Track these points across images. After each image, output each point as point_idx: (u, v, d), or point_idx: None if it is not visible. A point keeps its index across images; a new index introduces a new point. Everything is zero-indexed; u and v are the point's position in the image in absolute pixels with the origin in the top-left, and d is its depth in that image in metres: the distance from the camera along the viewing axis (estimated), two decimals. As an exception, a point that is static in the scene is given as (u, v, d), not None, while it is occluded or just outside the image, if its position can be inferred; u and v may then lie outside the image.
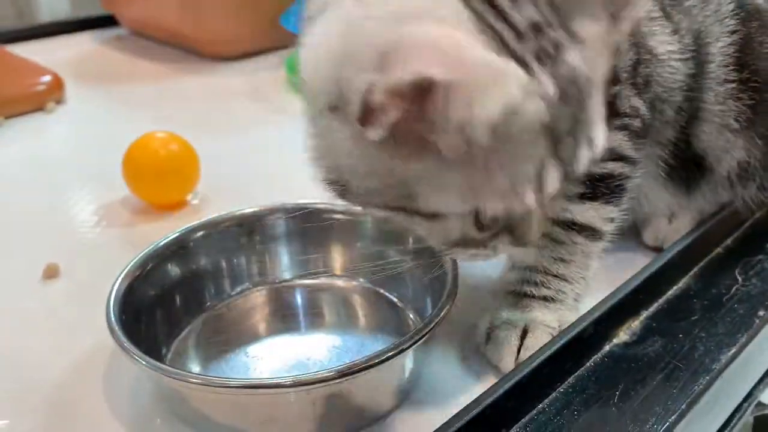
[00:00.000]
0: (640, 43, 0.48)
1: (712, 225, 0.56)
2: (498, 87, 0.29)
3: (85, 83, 1.07)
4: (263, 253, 0.53)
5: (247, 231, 0.52)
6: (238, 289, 0.52)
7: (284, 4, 1.06)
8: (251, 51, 1.16)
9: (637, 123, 0.48)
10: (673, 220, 0.58)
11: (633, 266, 0.53)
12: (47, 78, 0.99)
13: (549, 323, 0.46)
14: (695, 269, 0.53)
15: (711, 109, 0.53)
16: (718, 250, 0.56)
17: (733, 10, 0.53)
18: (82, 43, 1.31)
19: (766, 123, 0.54)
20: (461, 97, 0.29)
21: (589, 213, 0.48)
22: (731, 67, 0.52)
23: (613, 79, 0.46)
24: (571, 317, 0.46)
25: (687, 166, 0.55)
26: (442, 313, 0.42)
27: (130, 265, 0.46)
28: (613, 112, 0.47)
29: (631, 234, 0.59)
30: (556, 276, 0.48)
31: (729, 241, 0.57)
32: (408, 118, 0.30)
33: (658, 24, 0.49)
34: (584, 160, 0.36)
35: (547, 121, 0.32)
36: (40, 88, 0.97)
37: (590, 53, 0.34)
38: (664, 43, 0.49)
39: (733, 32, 0.52)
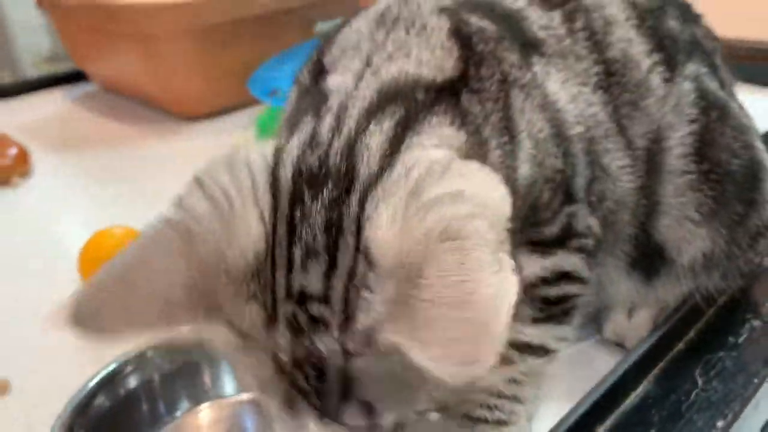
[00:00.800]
0: (594, 161, 0.47)
1: (675, 321, 0.55)
2: None
3: (52, 151, 1.06)
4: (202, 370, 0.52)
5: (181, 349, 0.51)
6: (178, 413, 0.51)
7: (252, 60, 1.06)
8: (220, 109, 1.15)
9: (591, 242, 0.47)
10: (633, 315, 0.57)
11: (594, 362, 0.52)
12: (13, 151, 0.98)
13: None
14: (655, 371, 0.52)
15: (670, 203, 0.52)
16: (680, 346, 0.54)
17: (693, 99, 0.51)
18: (53, 100, 1.30)
19: (729, 213, 0.53)
20: None
21: (543, 335, 0.47)
22: (690, 158, 0.51)
23: (569, 199, 0.45)
24: None
25: (648, 257, 0.54)
26: None
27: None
28: (570, 233, 0.46)
29: (592, 326, 0.58)
30: (509, 398, 0.47)
31: (692, 333, 0.55)
32: None
33: (611, 141, 0.47)
34: (353, 416, 0.35)
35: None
36: (6, 162, 0.96)
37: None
38: (616, 160, 0.48)
39: (693, 121, 0.51)
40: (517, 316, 0.45)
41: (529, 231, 0.45)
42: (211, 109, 1.14)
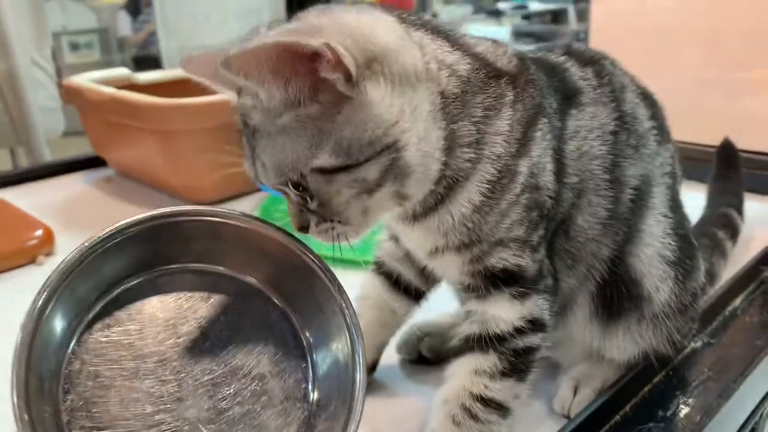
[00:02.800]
0: (569, 217, 0.59)
1: (614, 394, 0.64)
2: None
3: (74, 232, 1.16)
4: None
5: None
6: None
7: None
8: (228, 195, 1.27)
9: (550, 282, 0.58)
10: (578, 392, 0.66)
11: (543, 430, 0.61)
12: (39, 232, 1.08)
13: None
14: (595, 437, 0.61)
15: (652, 232, 0.63)
16: (617, 417, 0.64)
17: (670, 166, 0.66)
18: (73, 184, 1.42)
19: (683, 265, 0.65)
20: None
21: (505, 391, 0.57)
22: (667, 206, 0.64)
23: (543, 242, 0.57)
24: None
25: (620, 291, 0.63)
26: None
27: None
28: (541, 273, 0.57)
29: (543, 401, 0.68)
30: None
31: (627, 408, 0.65)
32: None
33: (601, 194, 0.59)
34: (261, 174, 0.52)
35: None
36: (33, 243, 1.07)
37: None
38: (590, 217, 0.60)
39: (670, 180, 0.65)
40: (485, 372, 0.56)
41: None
42: (221, 195, 1.26)
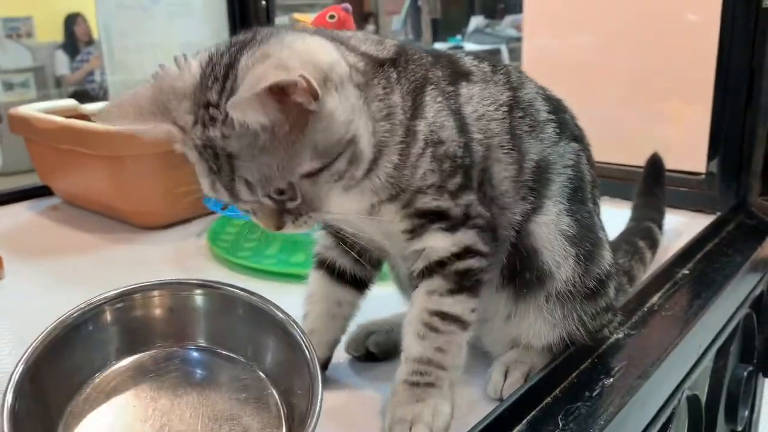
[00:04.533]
0: (487, 168, 0.66)
1: (543, 378, 0.71)
2: None
3: (22, 257, 1.18)
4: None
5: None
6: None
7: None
8: (177, 219, 1.31)
9: (483, 221, 0.66)
10: (509, 375, 0.72)
11: (479, 413, 0.66)
12: (-13, 257, 1.09)
13: (425, 418, 0.63)
14: (528, 417, 0.67)
15: (552, 203, 0.70)
16: (548, 399, 0.70)
17: (572, 157, 0.72)
18: (18, 213, 1.42)
19: (585, 246, 0.71)
20: None
21: (457, 306, 0.65)
22: (567, 189, 0.71)
23: (467, 185, 0.65)
24: (444, 407, 0.64)
25: (523, 265, 0.70)
26: None
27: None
28: (468, 216, 0.65)
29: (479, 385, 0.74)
30: (436, 366, 0.64)
31: (557, 391, 0.71)
32: None
33: (505, 152, 0.67)
34: (243, 192, 0.58)
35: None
36: (-18, 267, 1.08)
37: None
38: (503, 171, 0.68)
39: (571, 168, 0.71)
40: (435, 292, 0.63)
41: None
42: (170, 220, 1.29)
